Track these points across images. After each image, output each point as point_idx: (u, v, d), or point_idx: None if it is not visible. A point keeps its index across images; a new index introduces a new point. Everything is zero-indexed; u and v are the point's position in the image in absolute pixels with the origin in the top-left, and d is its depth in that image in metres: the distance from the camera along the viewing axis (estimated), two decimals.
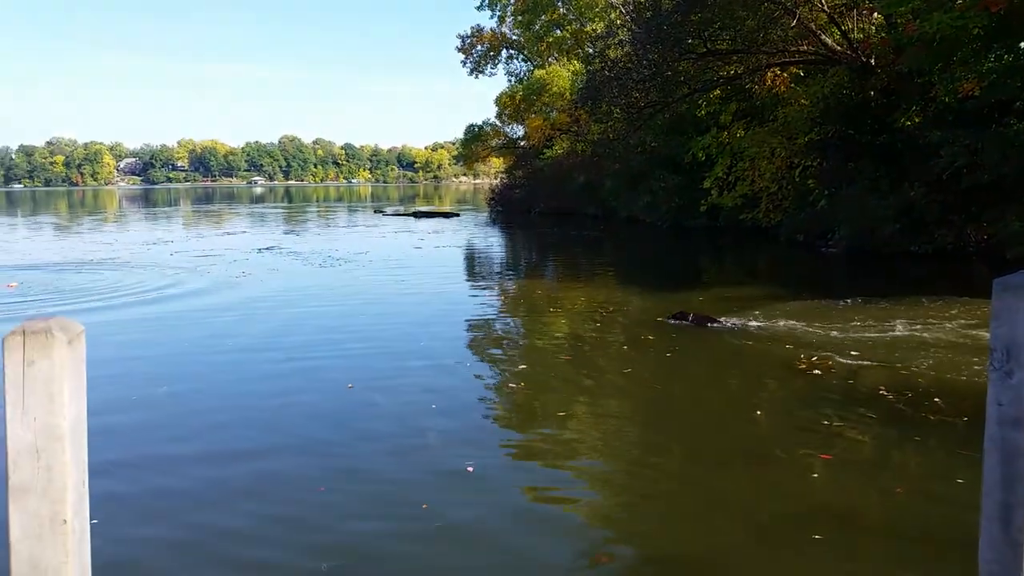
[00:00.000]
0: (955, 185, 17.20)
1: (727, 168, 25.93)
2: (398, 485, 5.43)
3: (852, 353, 8.68)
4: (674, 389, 7.99)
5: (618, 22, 32.53)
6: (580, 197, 37.96)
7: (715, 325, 10.63)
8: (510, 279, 17.74)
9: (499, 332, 10.91)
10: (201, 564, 4.34)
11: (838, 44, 22.07)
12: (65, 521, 1.80)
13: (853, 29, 22.21)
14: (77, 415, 1.81)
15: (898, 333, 9.71)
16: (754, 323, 10.55)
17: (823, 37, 22.07)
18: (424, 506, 5.01)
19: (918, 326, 10.01)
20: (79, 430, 1.84)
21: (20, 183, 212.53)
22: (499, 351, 9.91)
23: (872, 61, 20.98)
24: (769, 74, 25.26)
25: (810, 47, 22.75)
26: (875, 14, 22.01)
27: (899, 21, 19.20)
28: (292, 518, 4.86)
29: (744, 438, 6.39)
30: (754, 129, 25.62)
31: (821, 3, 21.39)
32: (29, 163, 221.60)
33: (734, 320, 10.66)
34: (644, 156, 30.76)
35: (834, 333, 9.73)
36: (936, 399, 6.93)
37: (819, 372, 8.04)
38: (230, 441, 6.37)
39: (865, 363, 8.37)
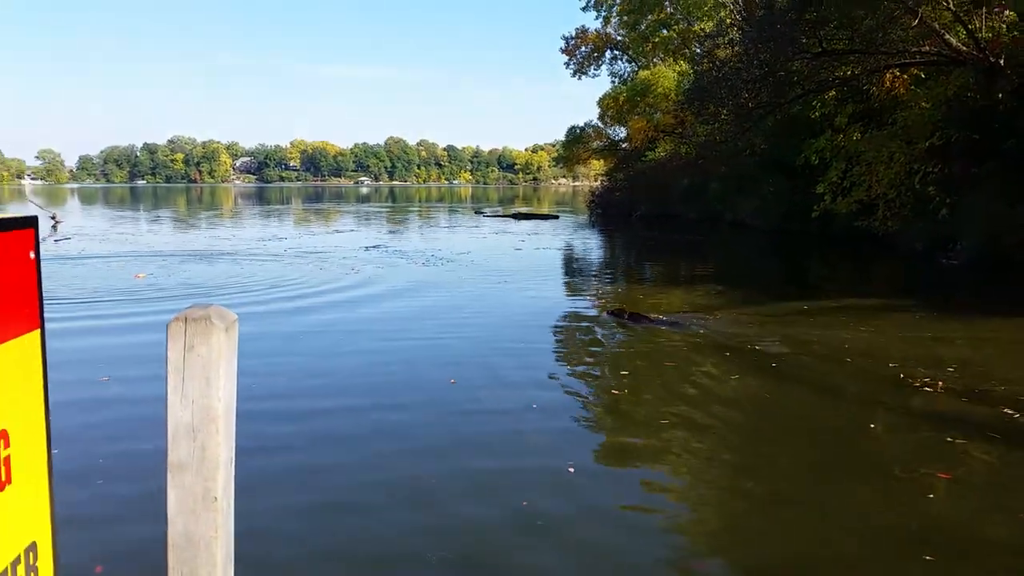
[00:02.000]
0: None
1: (842, 173, 24.91)
2: (500, 481, 5.50)
3: (971, 369, 8.21)
4: (784, 400, 7.74)
5: (728, 21, 31.81)
6: (683, 200, 37.33)
7: (649, 324, 10.89)
8: (610, 282, 17.63)
9: (599, 334, 10.85)
10: (319, 533, 4.51)
11: (964, 44, 20.84)
12: (216, 498, 1.91)
13: (981, 28, 20.92)
14: (229, 398, 1.92)
15: None
16: (866, 334, 10.14)
17: (947, 37, 20.89)
18: (524, 503, 5.06)
19: None
20: (230, 412, 1.95)
21: (143, 179, 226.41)
22: (599, 353, 9.86)
23: (1002, 62, 19.72)
24: (888, 75, 24.13)
25: (933, 47, 21.58)
26: (1007, 11, 20.67)
27: None
28: (400, 505, 5.01)
29: (858, 452, 6.15)
30: (871, 132, 24.52)
31: (946, 1, 20.28)
32: (152, 160, 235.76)
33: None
34: (753, 159, 29.95)
35: (949, 348, 9.23)
36: None
37: (935, 389, 7.64)
38: (340, 429, 6.60)
39: (984, 381, 7.90)
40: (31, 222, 1.57)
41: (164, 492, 1.92)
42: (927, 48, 21.70)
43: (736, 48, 26.20)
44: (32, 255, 1.56)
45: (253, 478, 5.24)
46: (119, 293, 13.59)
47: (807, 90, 25.04)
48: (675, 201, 37.99)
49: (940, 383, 7.82)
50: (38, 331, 1.59)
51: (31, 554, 1.57)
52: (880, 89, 24.76)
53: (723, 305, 13.18)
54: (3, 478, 1.46)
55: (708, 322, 11.46)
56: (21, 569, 1.53)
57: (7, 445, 1.47)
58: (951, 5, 20.37)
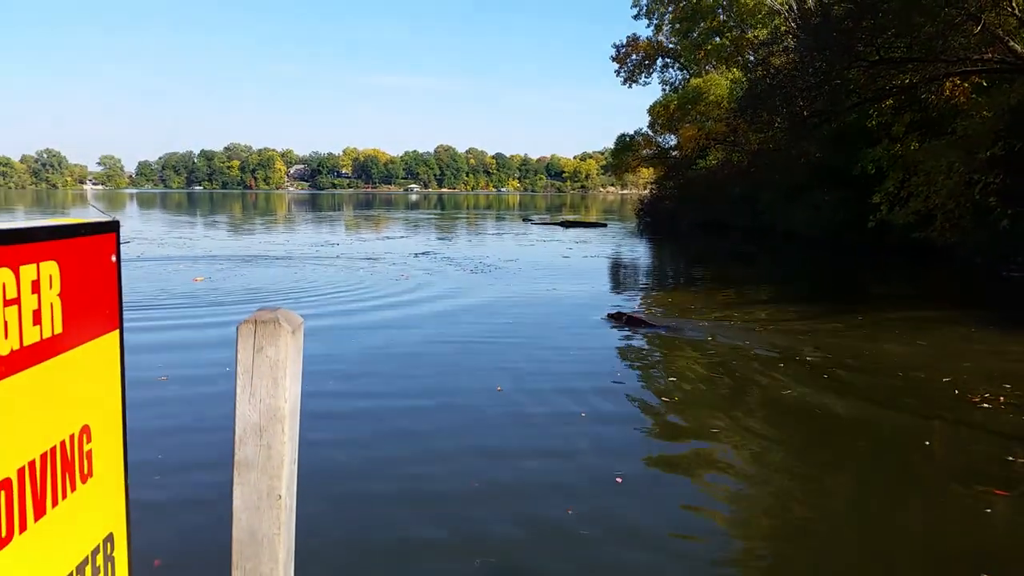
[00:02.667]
0: None
1: (899, 182, 24.30)
2: (546, 487, 5.51)
3: None
4: (836, 413, 7.59)
5: (782, 29, 31.38)
6: (734, 209, 36.82)
7: (648, 330, 11.09)
8: (658, 291, 17.51)
9: (647, 344, 10.78)
10: (368, 530, 4.58)
11: None
12: (280, 496, 1.96)
13: None
14: (295, 399, 1.98)
15: None
16: (920, 347, 9.90)
17: (1011, 44, 20.28)
18: (569, 510, 5.06)
19: None
20: (295, 413, 2.00)
21: (200, 185, 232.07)
22: (647, 362, 9.81)
23: None
24: (948, 83, 23.50)
25: (996, 55, 20.96)
26: None
27: None
28: (447, 513, 5.05)
29: (912, 468, 6.01)
30: (930, 142, 23.89)
31: (1011, 7, 19.68)
32: (209, 167, 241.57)
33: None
34: (807, 168, 29.43)
35: (1006, 364, 8.95)
36: None
37: (991, 404, 7.42)
38: (390, 437, 6.68)
39: None
40: (113, 226, 1.63)
41: (227, 488, 1.98)
42: (990, 55, 21.10)
43: (791, 56, 25.84)
44: (113, 258, 1.63)
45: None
46: (178, 296, 13.96)
47: (863, 98, 24.55)
48: (726, 210, 37.48)
49: (998, 399, 7.59)
50: (117, 331, 1.65)
51: (108, 544, 1.64)
52: (939, 98, 24.14)
53: (773, 316, 12.99)
54: (86, 471, 1.53)
55: (717, 327, 11.40)
56: (100, 559, 1.60)
57: (89, 440, 1.54)
58: (1016, 11, 19.79)
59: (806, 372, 9.01)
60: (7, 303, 1.27)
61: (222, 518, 4.36)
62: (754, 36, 38.37)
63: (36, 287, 1.34)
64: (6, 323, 1.27)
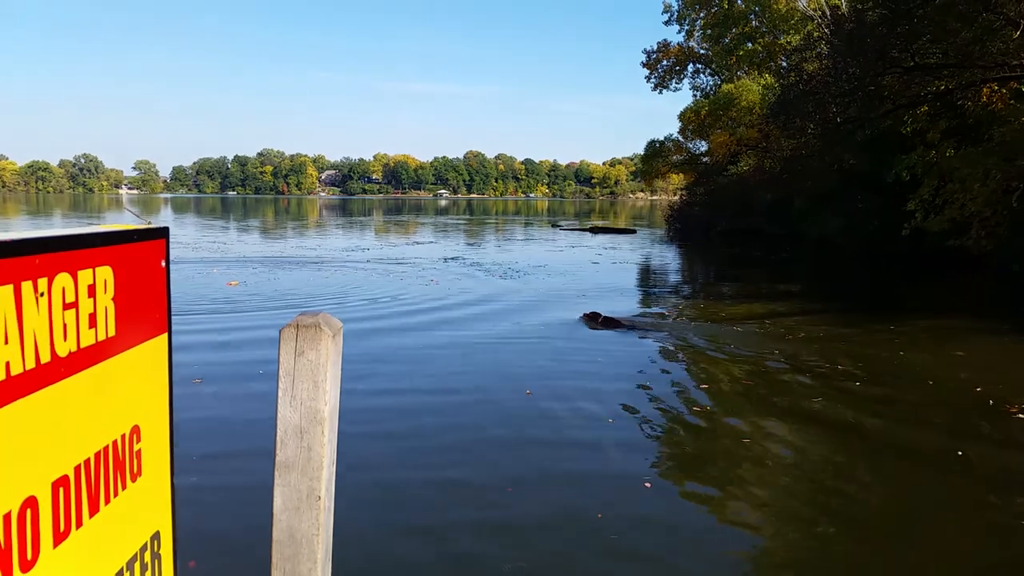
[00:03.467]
0: None
1: (934, 190, 23.91)
2: (575, 493, 5.52)
3: None
4: (868, 421, 7.50)
5: (815, 34, 31.08)
6: (765, 216, 36.47)
7: (622, 329, 11.54)
8: (689, 298, 17.39)
9: (677, 351, 10.72)
10: (400, 535, 4.61)
11: None
12: (319, 497, 1.99)
13: None
14: (334, 401, 2.01)
15: None
16: (953, 356, 9.74)
17: None
18: (599, 515, 5.07)
19: None
20: (335, 415, 2.03)
21: (234, 190, 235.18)
22: (678, 369, 9.75)
23: None
24: (985, 89, 23.09)
25: None
26: None
27: None
28: (475, 518, 5.07)
29: (946, 479, 5.92)
30: (966, 148, 23.49)
31: None
32: (242, 172, 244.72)
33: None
34: (839, 174, 29.08)
35: None
36: None
37: None
38: (428, 440, 6.72)
39: None
40: (163, 233, 1.68)
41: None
42: None
43: (824, 61, 25.58)
44: (163, 264, 1.68)
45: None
46: (213, 300, 14.16)
47: (898, 105, 24.21)
48: (757, 217, 37.14)
49: None
50: (166, 335, 1.70)
51: (155, 542, 1.68)
52: (976, 104, 23.74)
53: (803, 323, 12.86)
54: (135, 470, 1.57)
55: (730, 332, 11.34)
56: (148, 556, 1.64)
57: (139, 440, 1.58)
58: None
59: (836, 380, 8.91)
60: (66, 307, 1.31)
61: (252, 520, 4.42)
62: (787, 42, 38.05)
63: (92, 291, 1.39)
64: (65, 326, 1.31)
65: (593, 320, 12.22)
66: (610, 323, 11.96)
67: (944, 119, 24.66)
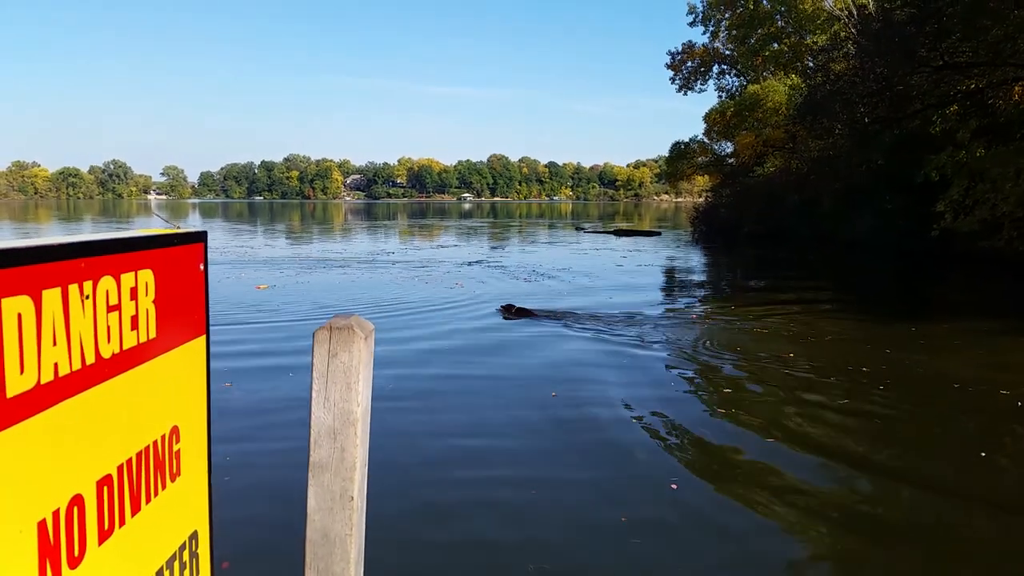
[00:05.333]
0: None
1: (964, 190, 23.53)
2: (600, 495, 5.52)
3: None
4: (896, 422, 7.43)
5: (842, 34, 30.79)
6: (793, 218, 36.07)
7: (535, 319, 12.55)
8: (716, 300, 17.28)
9: (705, 353, 10.66)
10: (426, 530, 4.64)
11: None
12: (352, 498, 2.01)
13: None
14: (367, 403, 2.03)
15: None
16: (980, 359, 9.61)
17: None
18: (623, 518, 5.05)
19: None
20: (367, 416, 2.05)
21: (260, 195, 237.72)
22: (707, 370, 9.69)
23: None
24: (1017, 88, 22.74)
25: None
26: None
27: None
28: (506, 516, 5.08)
29: (973, 482, 5.84)
30: (997, 148, 23.10)
31: None
32: (269, 177, 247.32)
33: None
34: (867, 175, 28.75)
35: None
36: None
37: None
38: (457, 441, 6.75)
39: None
40: (201, 237, 1.71)
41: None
42: None
43: (851, 61, 25.36)
44: (201, 267, 1.71)
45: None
46: (242, 303, 14.31)
47: (927, 104, 23.94)
48: (784, 218, 36.75)
49: None
50: (204, 337, 1.73)
51: (193, 541, 1.71)
52: (1007, 103, 23.38)
53: (829, 325, 12.74)
54: (175, 470, 1.60)
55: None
56: (186, 555, 1.67)
57: (178, 440, 1.61)
58: None
59: (863, 382, 8.82)
60: (109, 309, 1.35)
61: (285, 519, 4.46)
62: (813, 42, 37.71)
63: (134, 294, 1.42)
64: (108, 328, 1.34)
65: (507, 311, 13.23)
66: (523, 313, 13.06)
67: (974, 118, 24.29)
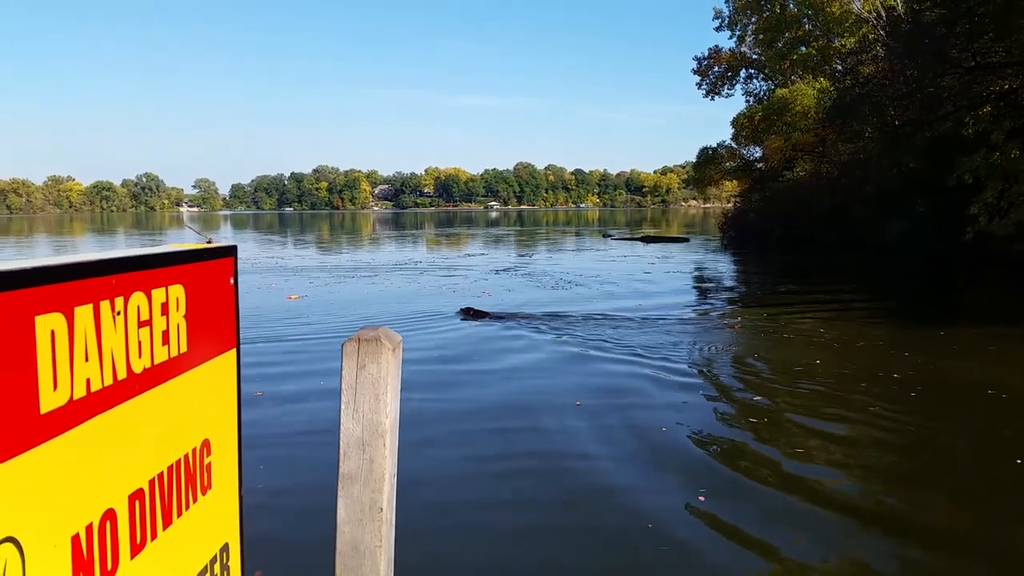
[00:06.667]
0: None
1: (999, 192, 23.10)
2: (626, 504, 5.48)
3: None
4: (926, 429, 7.29)
5: (871, 37, 30.43)
6: (823, 223, 35.60)
7: (491, 320, 13.30)
8: (747, 307, 17.10)
9: (735, 362, 10.55)
10: (447, 529, 4.64)
11: None
12: (381, 509, 2.02)
13: None
14: (395, 414, 2.04)
15: None
16: (1012, 365, 9.39)
17: None
18: (649, 525, 5.02)
19: None
20: (395, 428, 2.06)
21: (290, 207, 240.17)
22: (735, 381, 9.58)
23: None
24: None
25: None
26: None
27: None
28: (533, 524, 5.07)
29: (1007, 488, 5.73)
30: None
31: None
32: (298, 188, 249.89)
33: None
34: (899, 179, 28.32)
35: None
36: None
37: None
38: (482, 449, 6.74)
39: None
40: (231, 251, 1.73)
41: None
42: None
43: (880, 64, 25.07)
44: (231, 281, 1.72)
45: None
46: (274, 314, 14.44)
47: (959, 106, 23.53)
48: (815, 223, 36.28)
49: None
50: (234, 350, 1.74)
51: (224, 554, 1.72)
52: None
53: (862, 331, 12.55)
54: (206, 483, 1.61)
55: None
56: (217, 567, 1.68)
57: (209, 453, 1.63)
58: None
59: (894, 388, 8.69)
60: (141, 324, 1.36)
61: (315, 531, 4.48)
62: (841, 45, 37.30)
63: (165, 309, 1.44)
64: (140, 343, 1.36)
65: (467, 314, 14.03)
66: (479, 315, 13.83)
67: (1008, 119, 23.84)
